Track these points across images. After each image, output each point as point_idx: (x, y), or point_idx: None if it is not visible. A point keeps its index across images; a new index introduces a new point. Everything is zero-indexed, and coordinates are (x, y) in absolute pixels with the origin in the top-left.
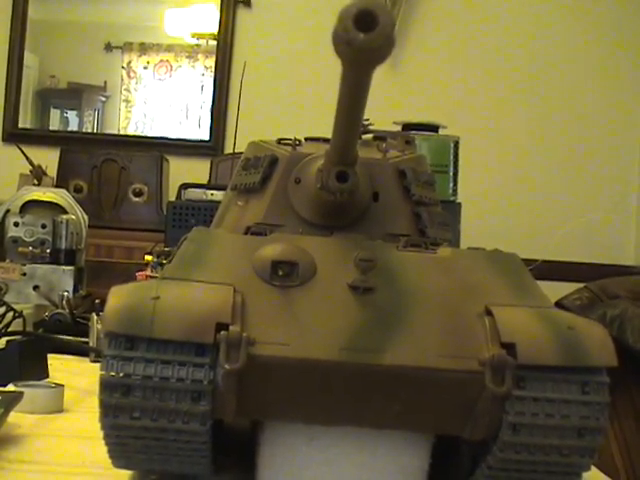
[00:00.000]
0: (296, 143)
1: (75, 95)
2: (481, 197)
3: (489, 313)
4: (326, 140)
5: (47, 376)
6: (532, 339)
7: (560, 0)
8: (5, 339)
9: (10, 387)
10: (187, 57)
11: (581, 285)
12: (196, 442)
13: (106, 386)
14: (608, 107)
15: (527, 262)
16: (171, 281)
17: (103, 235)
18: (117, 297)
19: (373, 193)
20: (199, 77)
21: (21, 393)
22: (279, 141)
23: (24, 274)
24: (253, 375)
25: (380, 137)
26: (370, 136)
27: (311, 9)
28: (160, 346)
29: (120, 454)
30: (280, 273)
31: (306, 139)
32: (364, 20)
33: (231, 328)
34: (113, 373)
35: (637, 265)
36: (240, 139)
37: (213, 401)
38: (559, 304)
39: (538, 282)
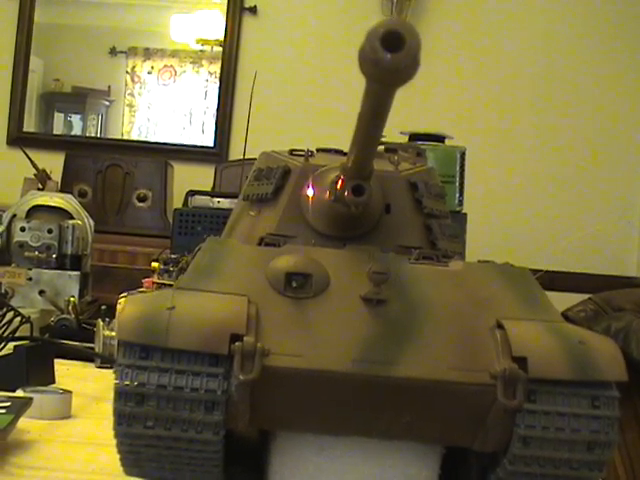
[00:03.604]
0: (308, 154)
1: (79, 99)
2: (486, 208)
3: (500, 327)
4: (338, 151)
5: (54, 381)
6: (543, 353)
7: (569, 13)
8: (12, 344)
9: (19, 393)
10: (191, 63)
11: (584, 295)
12: (209, 451)
13: (120, 395)
14: (614, 120)
15: (531, 272)
16: (186, 291)
17: (107, 240)
18: (132, 306)
19: (385, 205)
20: (203, 83)
21: (30, 399)
22: (291, 152)
23: (30, 279)
24: (266, 386)
25: (391, 149)
26: (381, 148)
27: (317, 17)
28: (175, 356)
29: (132, 462)
30: (294, 285)
31: (318, 150)
32: (391, 40)
33: (245, 339)
34: (127, 382)
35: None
36: (243, 145)
37: (226, 411)
38: (564, 315)
39: None
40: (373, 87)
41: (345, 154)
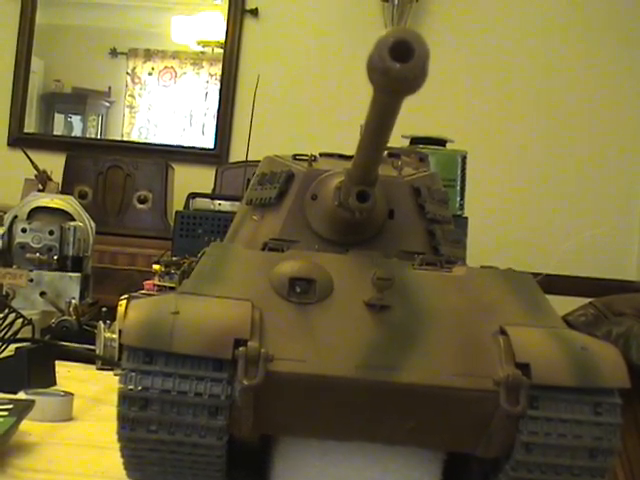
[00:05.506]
0: (312, 159)
1: (79, 100)
2: (486, 211)
3: (504, 333)
4: (341, 156)
5: (54, 383)
6: (546, 359)
7: (570, 18)
8: (14, 346)
9: (21, 395)
10: (192, 64)
11: (583, 299)
12: (212, 456)
13: (124, 399)
14: (615, 125)
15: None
16: (190, 296)
17: (107, 241)
18: (136, 311)
19: (388, 210)
20: (203, 84)
21: (32, 402)
22: (294, 156)
23: (31, 280)
24: (270, 391)
25: (394, 154)
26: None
27: (318, 20)
28: (179, 361)
29: (135, 466)
30: (298, 290)
31: (321, 154)
32: (400, 50)
33: (249, 344)
34: (131, 386)
35: (639, 280)
36: (244, 148)
37: (230, 416)
38: (564, 320)
39: None
40: (381, 96)
41: (348, 158)
